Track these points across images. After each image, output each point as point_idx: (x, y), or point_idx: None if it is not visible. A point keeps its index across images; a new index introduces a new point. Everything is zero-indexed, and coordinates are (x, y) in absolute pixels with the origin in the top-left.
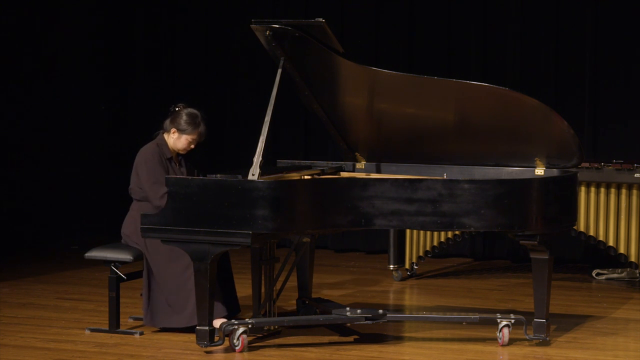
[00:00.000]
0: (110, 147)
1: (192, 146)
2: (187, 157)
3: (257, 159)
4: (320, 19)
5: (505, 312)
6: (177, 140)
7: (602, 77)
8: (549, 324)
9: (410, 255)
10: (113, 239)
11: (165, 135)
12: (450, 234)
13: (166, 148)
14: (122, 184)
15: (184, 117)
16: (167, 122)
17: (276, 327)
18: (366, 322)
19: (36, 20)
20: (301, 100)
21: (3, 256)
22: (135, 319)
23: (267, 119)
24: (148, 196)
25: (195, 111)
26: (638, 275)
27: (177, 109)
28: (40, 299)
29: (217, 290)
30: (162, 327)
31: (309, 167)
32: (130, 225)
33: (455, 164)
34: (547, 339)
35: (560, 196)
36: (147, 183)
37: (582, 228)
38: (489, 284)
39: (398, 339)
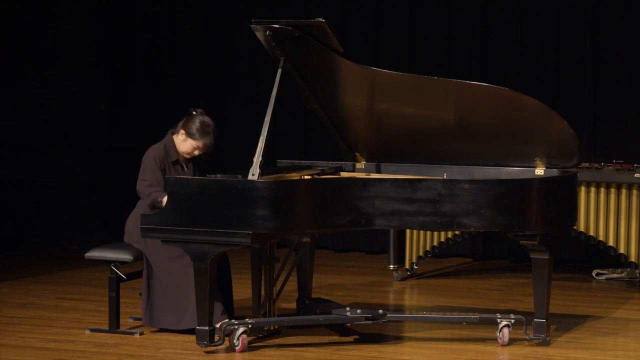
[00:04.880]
0: (110, 147)
1: (196, 152)
2: (196, 162)
3: (257, 159)
4: (320, 19)
5: (505, 312)
6: (182, 142)
7: (602, 77)
8: (549, 324)
9: (410, 255)
10: (113, 239)
11: (174, 136)
12: (450, 234)
13: (173, 150)
14: (122, 183)
15: (197, 123)
16: (180, 123)
17: (276, 327)
18: (366, 322)
19: (35, 20)
20: (301, 100)
21: (3, 256)
22: (135, 319)
23: (267, 119)
24: (139, 191)
25: (209, 120)
26: (638, 275)
27: (194, 112)
28: (40, 299)
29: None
30: (161, 327)
31: (309, 167)
32: (134, 223)
33: (455, 164)
34: (547, 339)
35: (560, 196)
36: (140, 179)
37: (582, 228)
38: (489, 284)
39: (398, 339)
